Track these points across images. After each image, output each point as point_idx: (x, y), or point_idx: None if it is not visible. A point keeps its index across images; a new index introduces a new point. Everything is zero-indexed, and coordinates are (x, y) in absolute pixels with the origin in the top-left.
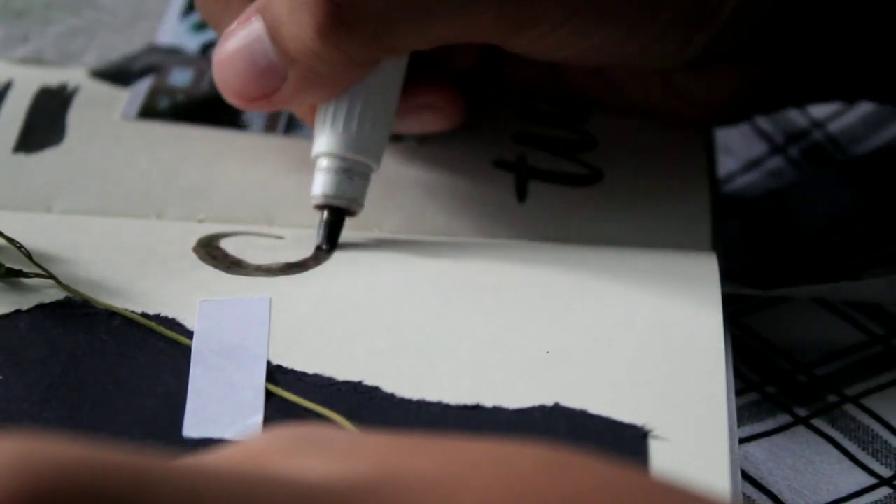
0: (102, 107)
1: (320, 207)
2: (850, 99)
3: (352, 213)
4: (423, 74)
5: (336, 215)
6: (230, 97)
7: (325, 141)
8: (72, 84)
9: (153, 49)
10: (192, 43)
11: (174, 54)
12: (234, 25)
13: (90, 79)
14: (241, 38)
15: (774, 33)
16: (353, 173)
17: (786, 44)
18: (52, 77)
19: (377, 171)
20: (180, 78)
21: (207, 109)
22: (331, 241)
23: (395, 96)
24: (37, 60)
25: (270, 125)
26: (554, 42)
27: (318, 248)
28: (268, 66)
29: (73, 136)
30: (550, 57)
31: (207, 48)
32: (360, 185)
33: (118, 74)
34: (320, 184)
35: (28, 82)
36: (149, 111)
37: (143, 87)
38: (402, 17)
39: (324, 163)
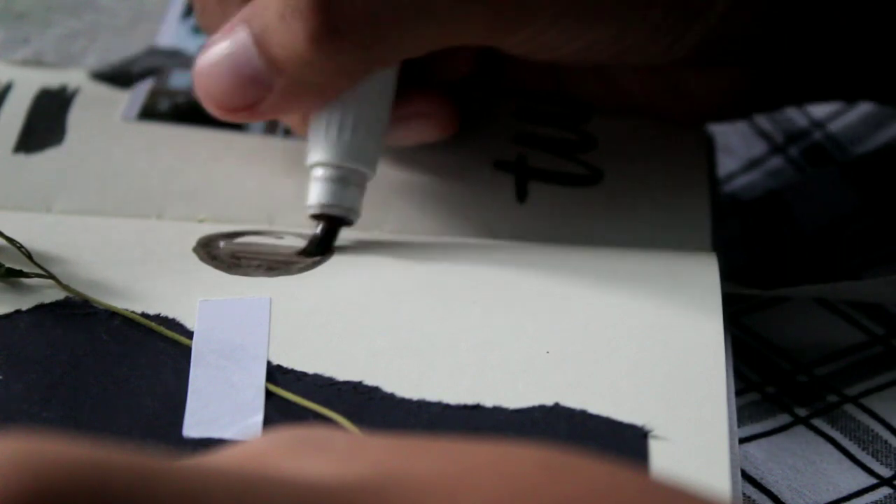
0: (103, 108)
1: (317, 217)
2: (850, 99)
3: (349, 223)
4: (414, 83)
5: (332, 224)
6: (211, 108)
7: (319, 150)
8: (72, 86)
9: (153, 51)
10: (192, 45)
11: (174, 56)
12: (217, 34)
13: (90, 81)
14: (225, 46)
15: (771, 31)
16: (348, 182)
17: (784, 42)
18: (52, 79)
19: (372, 179)
20: (180, 80)
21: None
22: (325, 251)
23: (387, 104)
24: (37, 62)
25: (270, 127)
26: (547, 42)
27: (308, 254)
28: (252, 76)
29: (73, 137)
30: (546, 57)
31: None
32: (356, 194)
33: (118, 76)
34: (316, 193)
35: (28, 84)
36: (149, 113)
37: (144, 88)
38: (393, 24)
39: (319, 172)
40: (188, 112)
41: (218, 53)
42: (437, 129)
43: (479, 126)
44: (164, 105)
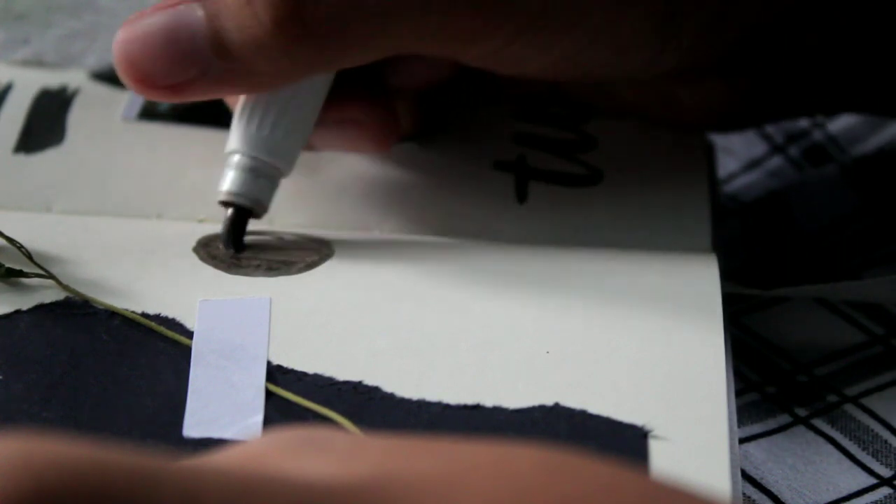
0: (103, 108)
1: (225, 204)
2: (833, 112)
3: (255, 215)
4: (355, 88)
5: (239, 214)
6: (131, 79)
7: (238, 138)
8: (72, 86)
9: None
10: None
11: None
12: (156, 6)
13: (90, 81)
14: (166, 17)
15: (758, 46)
16: (260, 174)
17: (772, 57)
18: (52, 79)
19: (286, 176)
20: None
21: (207, 111)
22: (233, 241)
23: (317, 104)
24: (37, 62)
25: None
26: (511, 56)
27: (227, 247)
28: (189, 54)
29: (73, 137)
30: (512, 72)
31: None
32: (266, 188)
33: (118, 77)
34: (227, 180)
35: (28, 84)
36: (149, 113)
37: None
38: (357, 27)
39: (234, 160)
40: (188, 112)
41: (155, 23)
42: (368, 139)
43: (479, 126)
44: (164, 105)
